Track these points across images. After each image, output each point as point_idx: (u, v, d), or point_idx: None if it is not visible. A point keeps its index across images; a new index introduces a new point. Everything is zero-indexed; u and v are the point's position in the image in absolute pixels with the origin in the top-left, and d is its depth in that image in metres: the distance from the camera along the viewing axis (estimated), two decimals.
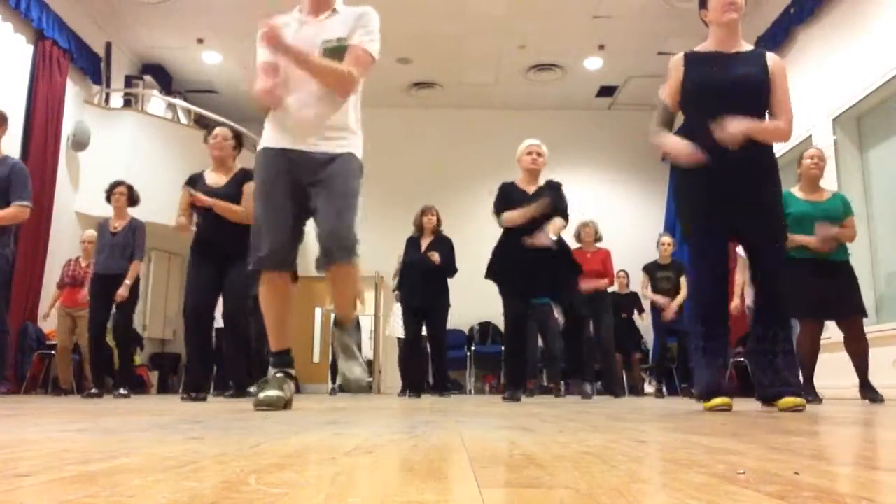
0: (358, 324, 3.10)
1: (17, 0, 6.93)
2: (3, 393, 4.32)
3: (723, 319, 2.90)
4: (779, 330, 2.82)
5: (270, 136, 2.79)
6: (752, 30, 7.38)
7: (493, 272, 4.59)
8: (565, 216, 4.54)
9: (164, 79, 9.96)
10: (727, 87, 2.84)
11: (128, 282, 5.40)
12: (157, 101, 9.56)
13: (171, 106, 9.79)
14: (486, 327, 10.04)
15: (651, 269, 7.12)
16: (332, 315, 3.02)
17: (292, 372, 2.86)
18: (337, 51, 2.75)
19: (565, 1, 8.25)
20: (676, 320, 6.75)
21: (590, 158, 10.65)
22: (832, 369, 4.97)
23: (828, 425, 2.01)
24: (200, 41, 9.25)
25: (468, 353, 9.84)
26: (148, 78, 9.53)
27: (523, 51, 9.47)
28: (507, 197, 4.66)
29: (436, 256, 5.97)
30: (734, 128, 2.70)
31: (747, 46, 3.01)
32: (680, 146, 2.81)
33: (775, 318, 2.83)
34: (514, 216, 4.47)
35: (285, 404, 2.70)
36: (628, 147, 10.75)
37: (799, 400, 2.70)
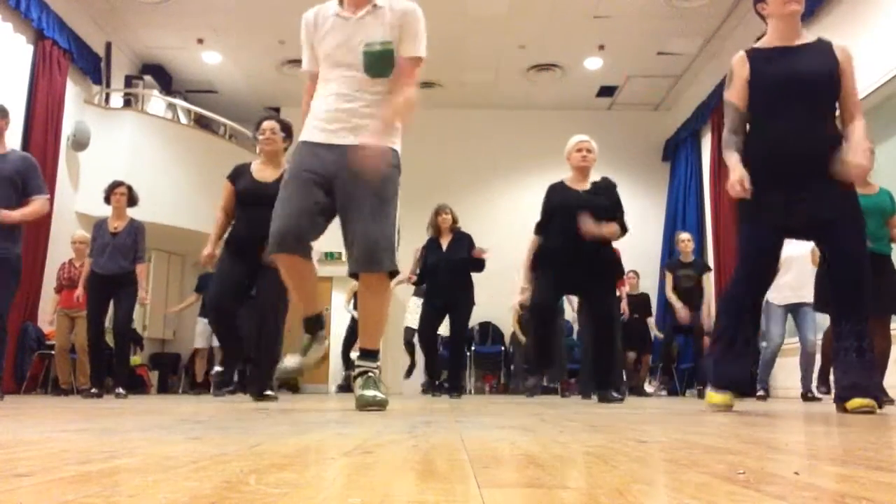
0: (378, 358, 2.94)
1: (17, 0, 6.92)
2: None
3: (757, 313, 2.82)
4: (854, 326, 2.72)
5: (310, 131, 2.75)
6: (751, 30, 7.38)
7: (539, 260, 4.53)
8: (622, 225, 4.44)
9: (164, 79, 9.96)
10: (800, 83, 2.72)
11: (143, 284, 5.48)
12: (157, 101, 9.56)
13: (171, 106, 9.78)
14: (485, 327, 10.04)
15: (673, 267, 7.05)
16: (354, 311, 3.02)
17: (323, 334, 2.92)
18: (381, 56, 2.69)
19: (565, 1, 8.24)
20: (693, 317, 6.73)
21: None
22: None
23: (828, 425, 2.01)
24: (200, 41, 9.25)
25: (468, 353, 9.83)
26: (148, 78, 9.52)
27: (523, 51, 9.47)
28: (558, 197, 4.52)
29: (481, 252, 5.88)
30: (860, 166, 2.61)
31: (809, 36, 2.89)
32: (735, 178, 2.70)
33: (856, 312, 2.73)
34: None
35: (316, 364, 2.86)
36: (628, 147, 10.74)
37: (866, 401, 2.61)
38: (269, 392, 4.10)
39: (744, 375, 2.79)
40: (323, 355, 2.85)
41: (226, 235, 4.31)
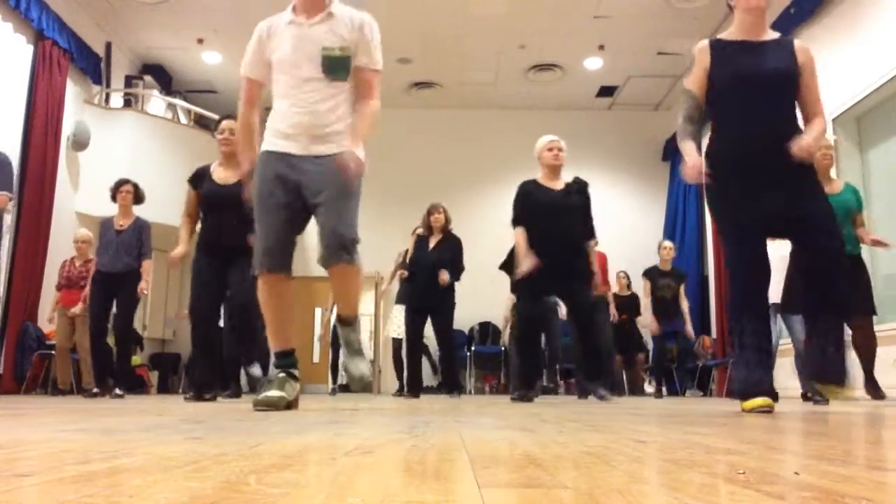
0: (359, 323, 3.10)
1: (17, 0, 6.92)
2: None
3: (764, 315, 2.75)
4: (827, 324, 2.70)
5: (271, 140, 2.78)
6: None
7: (508, 267, 4.58)
8: (591, 230, 4.60)
9: (164, 79, 9.96)
10: (758, 79, 2.74)
11: (147, 279, 5.47)
12: (157, 101, 9.56)
13: (171, 106, 9.79)
14: (485, 327, 10.04)
15: (652, 275, 7.09)
16: (335, 313, 3.04)
17: (295, 372, 2.82)
18: (340, 61, 2.72)
19: (565, 1, 8.25)
20: (675, 323, 6.77)
21: (590, 158, 10.63)
22: None
23: (828, 425, 2.01)
24: (200, 41, 9.25)
25: (468, 353, 9.84)
26: (148, 78, 9.53)
27: (523, 51, 9.47)
28: (530, 197, 4.58)
29: (444, 276, 5.85)
30: (808, 145, 2.62)
31: (773, 34, 2.91)
32: (690, 164, 2.73)
33: (827, 310, 2.71)
34: (523, 270, 4.43)
35: (288, 405, 2.67)
36: (628, 147, 10.75)
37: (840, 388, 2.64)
38: (254, 371, 4.25)
39: (756, 377, 2.68)
40: (294, 398, 2.76)
41: (196, 239, 4.42)
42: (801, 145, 2.63)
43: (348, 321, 2.97)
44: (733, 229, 2.78)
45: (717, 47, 2.86)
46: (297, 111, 2.72)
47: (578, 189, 4.62)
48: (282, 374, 2.76)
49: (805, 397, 5.70)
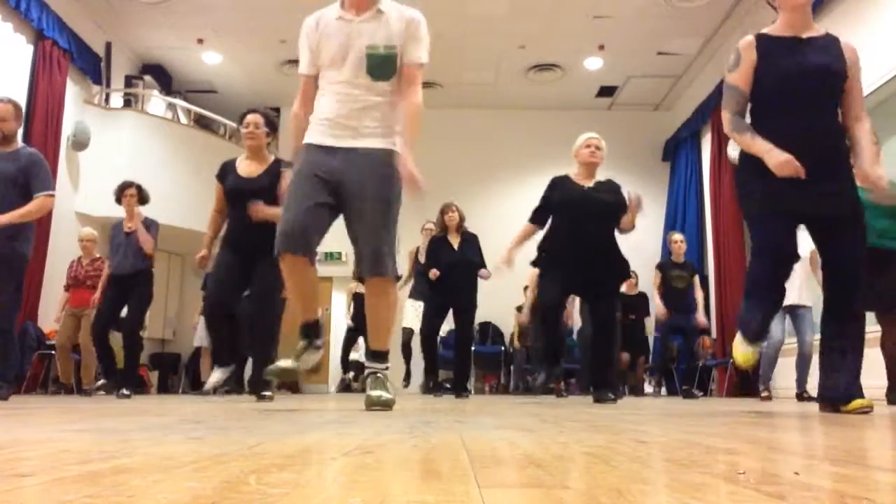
0: (388, 362, 2.91)
1: (17, 0, 6.93)
2: (4, 397, 4.29)
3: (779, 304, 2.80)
4: (844, 328, 2.70)
5: (313, 134, 2.77)
6: (752, 30, 7.37)
7: (542, 255, 4.42)
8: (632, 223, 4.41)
9: (164, 79, 9.96)
10: (809, 77, 2.70)
11: (151, 241, 5.51)
12: (157, 101, 9.56)
13: (171, 106, 9.78)
14: (486, 327, 10.03)
15: (665, 268, 7.06)
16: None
17: (319, 342, 2.89)
18: (385, 60, 2.71)
19: (565, 1, 8.24)
20: (682, 319, 6.73)
21: None
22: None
23: (828, 425, 2.01)
24: (200, 41, 9.25)
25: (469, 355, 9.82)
26: (148, 78, 9.53)
27: (523, 51, 9.47)
28: (561, 190, 4.43)
29: (486, 273, 5.90)
30: (878, 177, 2.66)
31: (819, 30, 2.87)
32: (783, 160, 2.64)
33: (844, 315, 2.71)
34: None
35: (310, 368, 2.85)
36: (628, 147, 10.73)
37: (866, 401, 2.58)
38: (266, 392, 4.07)
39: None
40: (318, 361, 2.86)
41: (222, 234, 4.30)
42: (875, 176, 2.65)
43: (380, 356, 2.81)
44: (769, 217, 2.74)
45: (764, 43, 2.82)
46: (340, 107, 2.72)
47: (611, 187, 4.47)
48: (380, 375, 2.77)
49: (800, 397, 5.71)
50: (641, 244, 8.76)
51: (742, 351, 2.83)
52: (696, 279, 7.04)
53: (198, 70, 10.07)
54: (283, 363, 2.74)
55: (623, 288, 7.48)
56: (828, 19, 6.79)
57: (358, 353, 8.73)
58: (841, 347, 2.70)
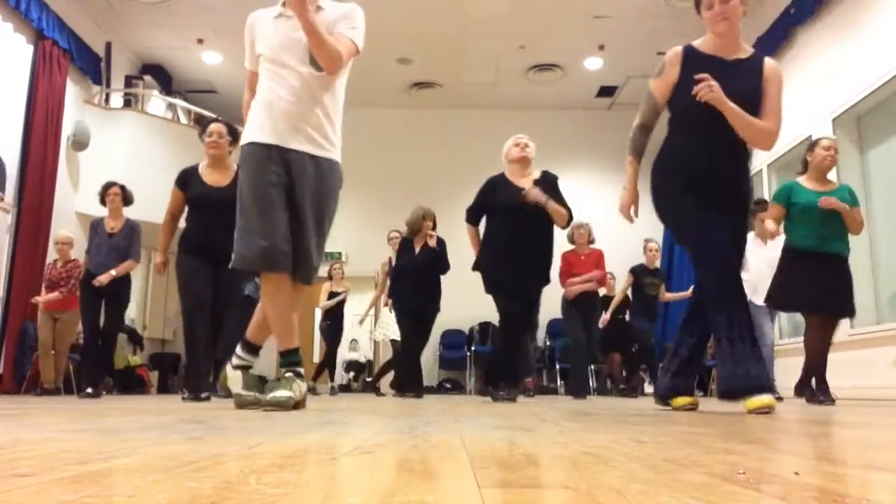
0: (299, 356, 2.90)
1: (17, 0, 6.93)
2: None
3: (745, 304, 2.71)
4: (734, 314, 2.64)
5: (256, 131, 2.73)
6: (752, 30, 7.38)
7: (480, 266, 4.45)
8: (566, 207, 4.34)
9: (164, 79, 9.96)
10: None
11: (114, 273, 5.34)
12: (157, 101, 9.56)
13: (171, 106, 9.79)
14: (485, 327, 10.03)
15: (639, 273, 7.13)
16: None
17: (301, 370, 2.75)
18: None
19: (565, 1, 8.25)
20: (649, 323, 6.93)
21: (589, 158, 10.64)
22: (835, 369, 4.96)
23: (828, 426, 2.01)
24: (200, 41, 9.25)
25: (468, 354, 9.84)
26: (148, 78, 9.53)
27: (523, 51, 9.47)
28: (494, 191, 4.44)
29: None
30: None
31: (747, 49, 2.90)
32: (625, 201, 3.04)
33: (727, 301, 2.67)
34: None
35: (295, 404, 2.60)
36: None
37: (767, 399, 2.50)
38: (204, 394, 4.16)
39: (765, 372, 2.69)
40: (302, 398, 2.67)
41: (179, 240, 4.39)
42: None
43: (291, 354, 2.78)
44: (692, 224, 2.82)
45: (690, 57, 2.86)
46: (286, 105, 2.70)
47: (547, 183, 4.41)
48: (288, 374, 2.70)
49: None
50: (639, 245, 8.75)
51: (754, 404, 2.64)
52: (662, 288, 7.27)
53: (198, 70, 10.07)
54: (280, 394, 2.59)
55: (604, 290, 7.50)
56: (828, 19, 6.79)
57: (358, 353, 8.73)
58: (727, 337, 2.63)
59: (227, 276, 4.08)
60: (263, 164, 2.68)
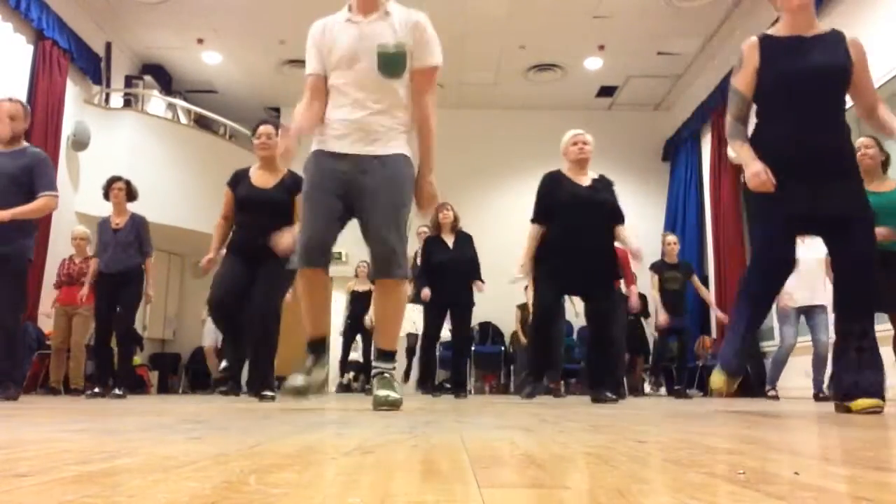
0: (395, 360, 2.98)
1: (17, 0, 6.93)
2: (8, 398, 4.29)
3: (767, 311, 2.84)
4: (865, 324, 2.67)
5: (323, 140, 2.80)
6: (752, 31, 7.38)
7: (539, 259, 4.42)
8: (621, 220, 4.44)
9: (164, 79, 9.96)
10: (812, 77, 2.70)
11: (150, 280, 5.51)
12: (157, 101, 9.56)
13: (171, 106, 9.79)
14: (486, 327, 10.03)
15: (659, 269, 7.00)
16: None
17: (325, 357, 2.97)
18: (395, 59, 2.73)
19: (565, 1, 8.25)
20: (678, 320, 6.71)
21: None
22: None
23: (828, 425, 2.01)
24: (200, 41, 9.25)
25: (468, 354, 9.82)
26: (148, 78, 9.53)
27: (523, 51, 9.47)
28: (557, 187, 4.40)
29: (481, 287, 6.07)
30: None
31: (823, 27, 2.87)
32: (754, 171, 2.67)
33: (861, 310, 2.70)
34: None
35: (318, 388, 2.85)
36: (628, 147, 10.74)
37: (873, 401, 2.56)
38: (267, 392, 4.10)
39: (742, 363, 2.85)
40: (324, 379, 2.93)
41: (227, 241, 4.35)
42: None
43: (387, 356, 2.87)
44: (767, 224, 2.76)
45: (767, 44, 2.81)
46: (352, 109, 2.74)
47: (606, 185, 4.48)
48: (386, 374, 2.82)
49: (817, 397, 5.67)
50: (642, 245, 8.73)
51: (717, 377, 2.85)
52: (695, 278, 7.01)
53: (198, 70, 10.07)
54: (296, 381, 2.76)
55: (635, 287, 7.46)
56: (828, 19, 6.78)
57: (357, 353, 8.72)
58: (856, 347, 2.68)
59: (266, 271, 4.08)
60: (320, 170, 2.76)
